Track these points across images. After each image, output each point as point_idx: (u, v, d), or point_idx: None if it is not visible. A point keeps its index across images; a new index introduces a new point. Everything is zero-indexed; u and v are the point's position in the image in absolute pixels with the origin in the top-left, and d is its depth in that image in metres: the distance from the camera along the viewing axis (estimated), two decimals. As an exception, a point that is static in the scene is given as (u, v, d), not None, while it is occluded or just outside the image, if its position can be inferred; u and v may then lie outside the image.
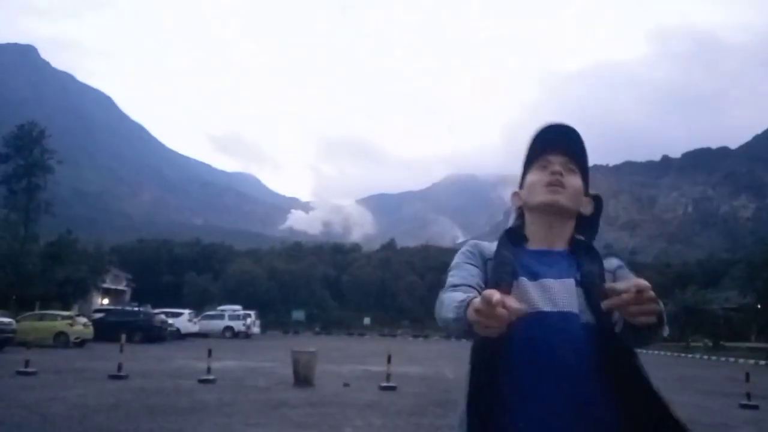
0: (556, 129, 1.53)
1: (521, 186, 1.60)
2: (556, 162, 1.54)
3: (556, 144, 1.54)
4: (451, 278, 1.47)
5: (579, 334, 1.38)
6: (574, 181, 1.55)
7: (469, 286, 1.40)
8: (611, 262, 1.56)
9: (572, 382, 1.35)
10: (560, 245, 1.53)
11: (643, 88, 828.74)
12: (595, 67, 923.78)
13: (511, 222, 1.64)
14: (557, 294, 1.42)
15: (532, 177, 1.56)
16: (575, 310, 1.40)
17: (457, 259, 1.56)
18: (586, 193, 1.61)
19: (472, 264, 1.50)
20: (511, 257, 1.48)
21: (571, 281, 1.44)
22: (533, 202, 1.55)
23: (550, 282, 1.43)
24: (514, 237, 1.56)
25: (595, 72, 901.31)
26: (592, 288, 1.39)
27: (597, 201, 1.65)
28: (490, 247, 1.54)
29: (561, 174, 1.52)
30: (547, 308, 1.40)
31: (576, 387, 1.34)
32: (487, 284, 1.42)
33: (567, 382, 1.35)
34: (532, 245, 1.54)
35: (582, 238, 1.56)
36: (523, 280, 1.43)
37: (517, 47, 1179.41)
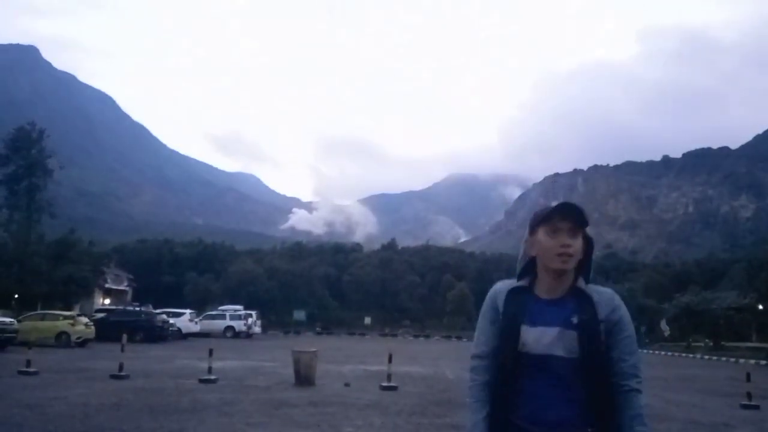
0: (568, 206, 1.96)
1: (531, 233, 2.01)
2: (565, 228, 1.94)
3: (565, 214, 1.95)
4: (477, 338, 2.05)
5: (561, 373, 1.88)
6: (577, 244, 1.94)
7: (487, 361, 1.99)
8: (605, 308, 1.94)
9: (551, 406, 1.88)
10: (562, 293, 1.97)
11: (643, 88, 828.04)
12: (596, 66, 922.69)
13: (521, 262, 2.06)
14: (546, 339, 1.89)
15: (544, 240, 1.96)
16: (560, 353, 1.88)
17: (483, 308, 2.07)
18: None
19: (489, 322, 2.03)
20: (514, 313, 1.96)
21: (557, 329, 1.90)
22: (547, 265, 1.96)
23: (543, 329, 1.91)
24: (522, 287, 2.02)
25: (596, 71, 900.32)
26: (584, 333, 1.87)
27: (589, 242, 2.02)
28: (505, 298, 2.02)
29: (569, 245, 1.92)
30: (535, 351, 1.89)
31: (556, 410, 1.87)
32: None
33: (547, 408, 1.88)
34: (541, 293, 1.99)
35: (582, 286, 1.98)
36: (524, 327, 1.92)
37: (516, 47, 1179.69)
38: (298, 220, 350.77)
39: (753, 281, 36.33)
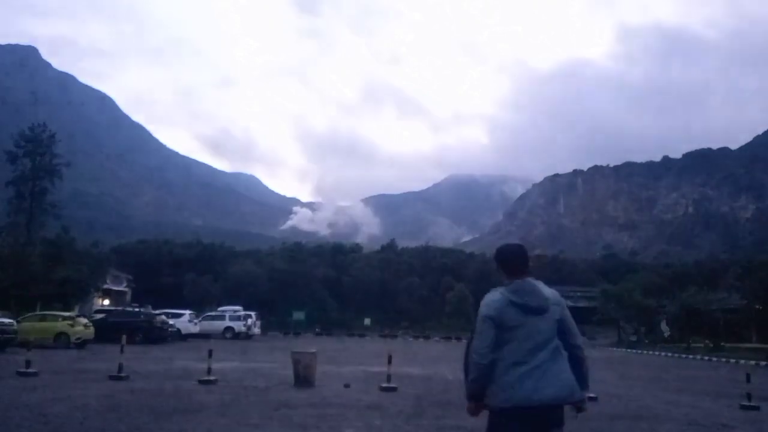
0: None
1: None
2: None
3: None
4: None
5: None
6: None
7: None
8: None
9: None
10: None
11: (644, 88, 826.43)
12: (596, 67, 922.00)
13: None
14: None
15: None
16: None
17: None
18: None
19: None
20: None
21: None
22: None
23: None
24: None
25: (596, 73, 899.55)
26: None
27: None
28: None
29: None
30: None
31: None
32: None
33: None
34: None
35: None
36: None
37: (514, 47, 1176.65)
38: (301, 220, 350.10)
39: (750, 283, 36.41)
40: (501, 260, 3.33)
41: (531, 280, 3.22)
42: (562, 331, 3.21)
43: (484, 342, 3.11)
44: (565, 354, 3.20)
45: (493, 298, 3.18)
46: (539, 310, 3.14)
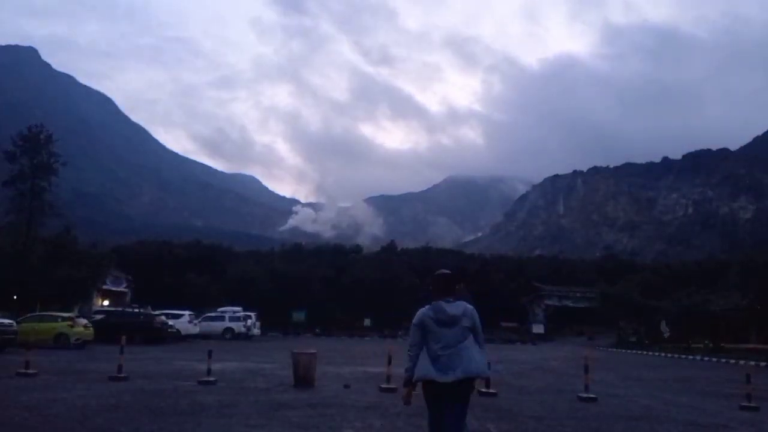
0: None
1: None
2: None
3: None
4: None
5: None
6: None
7: None
8: None
9: None
10: None
11: (644, 89, 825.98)
12: (597, 68, 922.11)
13: None
14: None
15: None
16: None
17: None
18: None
19: None
20: None
21: None
22: None
23: None
24: None
25: (597, 73, 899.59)
26: None
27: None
28: None
29: None
30: None
31: None
32: None
33: None
34: None
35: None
36: None
37: (512, 47, 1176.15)
38: (303, 221, 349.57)
39: (750, 283, 36.37)
40: (430, 284, 4.60)
41: (443, 302, 4.49)
42: (474, 334, 4.53)
43: (412, 342, 4.60)
44: (476, 346, 4.53)
45: (421, 312, 4.54)
46: (448, 323, 4.44)
